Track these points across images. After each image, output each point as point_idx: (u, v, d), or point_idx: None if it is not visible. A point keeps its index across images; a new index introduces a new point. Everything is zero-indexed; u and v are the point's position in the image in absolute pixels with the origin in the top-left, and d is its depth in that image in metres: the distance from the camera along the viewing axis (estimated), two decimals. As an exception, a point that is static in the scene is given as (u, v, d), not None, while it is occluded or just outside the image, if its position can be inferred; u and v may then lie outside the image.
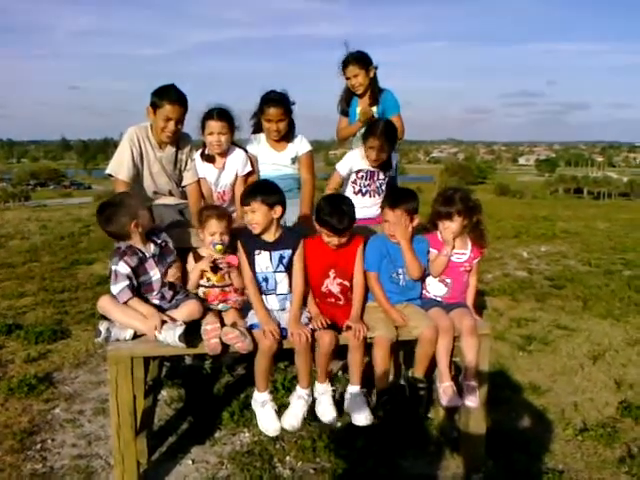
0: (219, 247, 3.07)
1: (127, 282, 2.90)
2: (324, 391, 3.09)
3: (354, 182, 3.99)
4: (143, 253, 3.00)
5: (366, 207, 3.89)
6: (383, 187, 4.01)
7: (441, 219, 3.19)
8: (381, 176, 3.98)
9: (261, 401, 3.04)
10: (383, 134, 3.72)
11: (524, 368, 4.38)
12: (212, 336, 2.82)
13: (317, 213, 3.15)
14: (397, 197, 3.26)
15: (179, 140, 3.73)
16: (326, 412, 3.08)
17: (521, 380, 4.14)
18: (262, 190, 3.06)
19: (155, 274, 3.02)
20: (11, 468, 3.07)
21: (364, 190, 3.98)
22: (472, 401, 3.02)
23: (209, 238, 3.08)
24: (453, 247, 3.21)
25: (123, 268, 2.91)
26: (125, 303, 2.89)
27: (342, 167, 3.96)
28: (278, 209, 3.04)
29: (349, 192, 3.96)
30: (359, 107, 4.33)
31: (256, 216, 3.00)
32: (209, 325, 2.85)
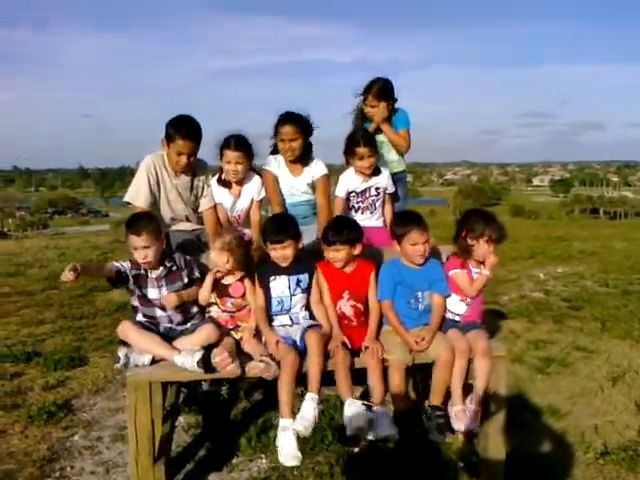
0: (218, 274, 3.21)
1: (120, 266, 3.08)
2: (352, 402, 2.91)
3: (347, 199, 4.06)
4: (146, 271, 3.12)
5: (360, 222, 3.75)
6: (377, 204, 4.07)
7: (489, 242, 3.16)
8: (373, 192, 4.03)
9: (285, 427, 2.84)
10: (365, 139, 3.89)
11: (543, 391, 4.33)
12: (224, 365, 2.83)
13: (322, 236, 3.27)
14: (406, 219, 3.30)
15: (195, 167, 3.80)
16: (357, 416, 2.86)
17: (540, 403, 4.09)
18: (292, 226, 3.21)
19: (153, 294, 3.12)
20: (31, 495, 3.10)
21: (357, 206, 4.07)
22: (470, 425, 2.99)
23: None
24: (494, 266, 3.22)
25: (126, 263, 3.11)
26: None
27: (340, 190, 4.03)
28: (301, 241, 3.21)
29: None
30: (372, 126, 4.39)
31: (287, 252, 3.12)
32: (217, 357, 2.84)
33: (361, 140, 3.87)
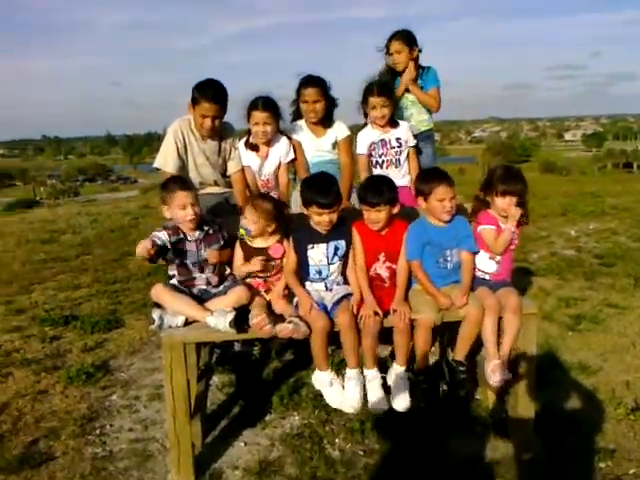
0: (242, 231, 3.17)
1: (157, 239, 3.02)
2: (373, 377, 3.08)
3: (369, 156, 4.05)
4: (185, 234, 3.13)
5: None
6: (401, 159, 4.05)
7: (506, 195, 3.14)
8: (394, 143, 4.01)
9: (327, 380, 3.05)
10: (380, 89, 3.87)
11: (573, 348, 4.32)
12: (262, 326, 2.87)
13: (358, 196, 3.20)
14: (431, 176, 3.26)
15: (222, 131, 3.81)
16: (376, 399, 3.05)
17: (570, 360, 4.08)
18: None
19: (192, 257, 3.14)
20: (74, 452, 3.23)
21: (380, 161, 4.05)
22: (498, 381, 2.98)
23: (242, 220, 3.19)
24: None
25: (162, 234, 3.05)
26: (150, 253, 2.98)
27: (361, 147, 4.05)
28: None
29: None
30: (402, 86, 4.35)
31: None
32: (255, 319, 2.89)
33: (375, 89, 3.88)
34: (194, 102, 3.61)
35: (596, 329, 4.67)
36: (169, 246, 3.07)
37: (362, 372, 3.06)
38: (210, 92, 3.57)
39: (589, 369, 3.94)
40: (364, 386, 3.06)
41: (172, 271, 3.19)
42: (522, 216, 3.24)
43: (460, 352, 3.12)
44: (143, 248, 2.87)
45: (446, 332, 3.87)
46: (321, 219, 3.03)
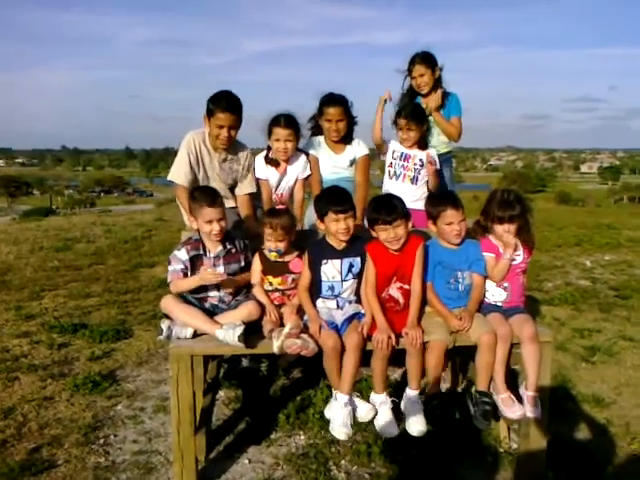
0: (274, 254, 3.14)
1: (181, 266, 3.05)
2: (383, 402, 3.04)
3: (390, 165, 4.06)
4: (205, 250, 3.12)
5: (404, 196, 3.40)
6: (419, 177, 4.02)
7: (502, 222, 3.11)
8: (416, 161, 3.99)
9: (343, 401, 2.96)
10: (409, 113, 3.92)
11: (587, 379, 4.24)
12: (294, 350, 2.84)
13: (368, 215, 3.14)
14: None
15: (235, 146, 3.82)
16: (386, 424, 3.00)
17: (584, 392, 4.00)
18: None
19: None
20: (76, 460, 3.19)
21: (399, 172, 4.03)
22: (534, 412, 2.93)
23: (266, 244, 3.16)
24: (516, 249, 3.14)
25: (181, 254, 3.07)
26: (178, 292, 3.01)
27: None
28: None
29: (385, 179, 4.11)
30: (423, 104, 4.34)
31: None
32: (290, 347, 2.83)
33: (402, 112, 3.95)
34: (209, 114, 3.63)
35: (610, 361, 4.58)
36: (187, 263, 3.08)
37: (351, 400, 3.00)
38: (225, 102, 3.59)
39: (603, 402, 3.86)
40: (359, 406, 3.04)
41: None
42: (529, 239, 3.20)
43: (482, 382, 3.04)
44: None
45: (458, 358, 3.82)
46: (338, 226, 2.99)
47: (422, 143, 4.05)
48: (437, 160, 4.10)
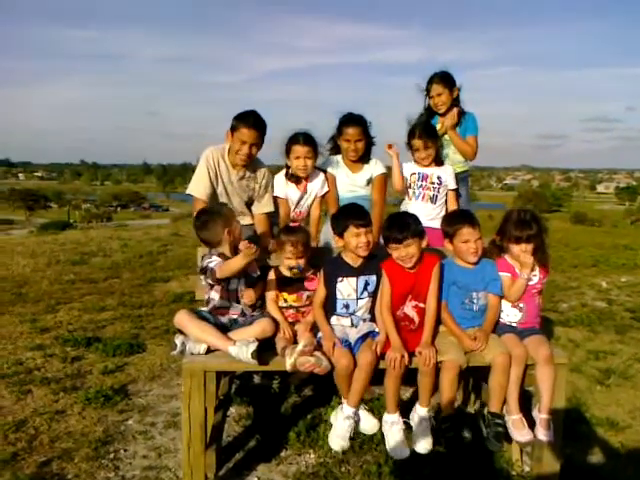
0: (295, 271, 3.16)
1: (218, 259, 3.04)
2: (394, 422, 3.02)
3: (409, 186, 4.08)
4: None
5: (422, 215, 3.49)
6: (439, 196, 4.04)
7: (520, 242, 3.10)
8: (434, 179, 4.01)
9: (349, 414, 3.00)
10: (421, 132, 3.95)
11: (602, 403, 4.17)
12: (307, 368, 2.84)
13: (382, 233, 3.17)
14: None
15: (254, 165, 3.85)
16: (397, 444, 2.98)
17: (598, 415, 3.93)
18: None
19: (234, 284, 3.16)
20: (86, 475, 3.18)
21: (417, 193, 4.05)
22: (546, 435, 2.90)
23: (286, 262, 3.17)
24: (532, 270, 3.13)
25: (216, 259, 3.05)
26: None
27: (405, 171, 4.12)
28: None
29: (404, 201, 4.14)
30: (439, 125, 4.35)
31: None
32: (304, 364, 2.83)
33: (417, 131, 3.97)
34: (233, 129, 3.68)
35: (625, 384, 4.51)
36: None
37: (356, 414, 3.04)
38: (251, 119, 3.65)
39: (617, 426, 3.79)
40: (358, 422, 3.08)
41: (213, 295, 3.19)
42: (545, 259, 3.18)
43: (495, 403, 3.01)
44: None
45: (471, 379, 3.78)
46: (359, 240, 3.01)
47: (438, 160, 4.10)
48: (453, 178, 4.12)
